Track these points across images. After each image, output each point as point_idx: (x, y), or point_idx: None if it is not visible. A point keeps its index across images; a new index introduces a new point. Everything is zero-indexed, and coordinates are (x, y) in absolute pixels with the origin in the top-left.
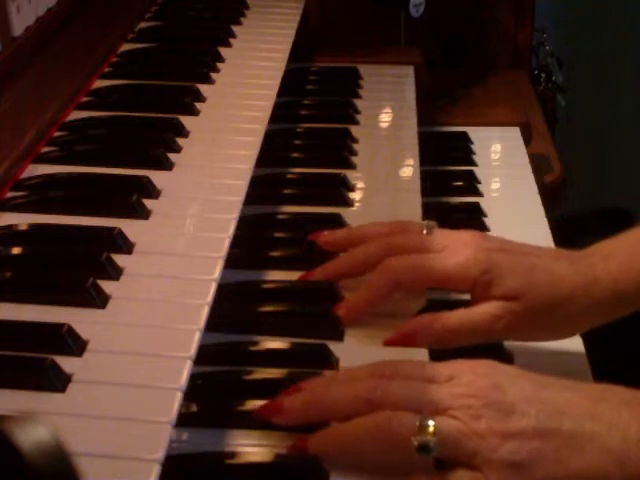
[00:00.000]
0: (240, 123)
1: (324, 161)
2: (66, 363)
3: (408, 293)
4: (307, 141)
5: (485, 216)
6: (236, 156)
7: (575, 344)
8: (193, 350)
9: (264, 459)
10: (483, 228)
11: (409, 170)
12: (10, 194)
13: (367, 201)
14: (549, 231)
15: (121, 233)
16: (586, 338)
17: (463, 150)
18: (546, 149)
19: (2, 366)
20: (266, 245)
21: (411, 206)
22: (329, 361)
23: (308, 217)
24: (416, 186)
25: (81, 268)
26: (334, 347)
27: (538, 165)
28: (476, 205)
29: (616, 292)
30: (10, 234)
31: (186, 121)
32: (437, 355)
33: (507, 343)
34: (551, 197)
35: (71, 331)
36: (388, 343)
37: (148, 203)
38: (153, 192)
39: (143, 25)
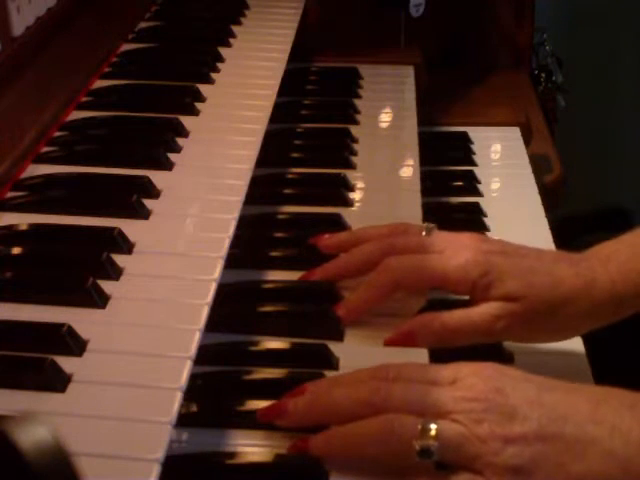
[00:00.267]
0: (240, 123)
1: (324, 161)
2: (66, 363)
3: (408, 293)
4: (307, 141)
5: (485, 216)
6: (236, 156)
7: (575, 344)
8: (193, 350)
9: (264, 459)
10: (483, 228)
11: (409, 170)
12: (10, 194)
13: (367, 201)
14: (549, 231)
15: (121, 233)
16: (586, 338)
17: (463, 150)
18: (546, 149)
19: (2, 366)
20: (266, 245)
21: (411, 206)
22: (329, 361)
23: (308, 217)
24: (416, 186)
25: (81, 268)
26: (334, 347)
27: (538, 165)
28: (476, 205)
29: (615, 294)
30: (10, 234)
31: (186, 121)
32: (437, 356)
33: (507, 343)
34: (551, 197)
35: (71, 331)
36: (388, 343)
37: (148, 203)
38: (153, 192)
39: (143, 25)
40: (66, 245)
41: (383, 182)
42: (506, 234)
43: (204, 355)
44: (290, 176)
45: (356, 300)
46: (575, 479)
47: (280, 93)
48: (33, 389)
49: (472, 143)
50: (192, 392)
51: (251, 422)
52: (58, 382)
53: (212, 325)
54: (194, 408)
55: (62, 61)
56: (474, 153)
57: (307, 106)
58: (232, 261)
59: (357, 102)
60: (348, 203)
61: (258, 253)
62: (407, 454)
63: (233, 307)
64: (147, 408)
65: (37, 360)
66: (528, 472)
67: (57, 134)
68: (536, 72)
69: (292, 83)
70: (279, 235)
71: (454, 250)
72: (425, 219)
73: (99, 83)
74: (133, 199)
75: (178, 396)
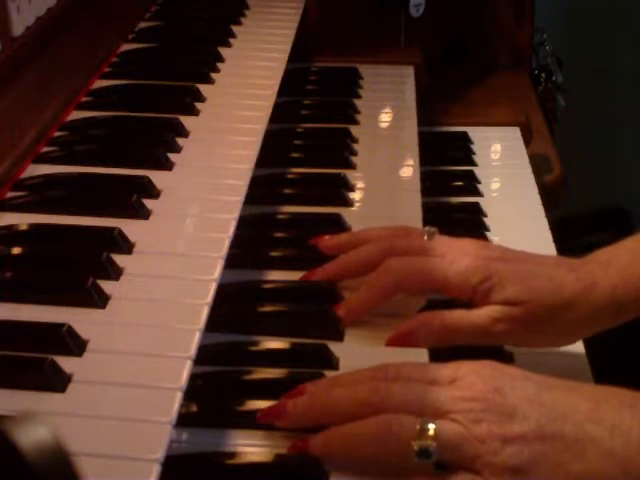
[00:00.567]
0: (240, 123)
1: (324, 161)
2: (66, 363)
3: (408, 294)
4: (307, 141)
5: (485, 216)
6: (236, 156)
7: (575, 344)
8: (193, 350)
9: (264, 459)
10: (483, 228)
11: (409, 170)
12: (10, 194)
13: (367, 201)
14: (549, 231)
15: (121, 233)
16: (586, 339)
17: (463, 150)
18: (546, 149)
19: (2, 366)
20: (266, 245)
21: (411, 206)
22: (329, 361)
23: (308, 217)
24: (416, 186)
25: (81, 268)
26: (334, 347)
27: (538, 165)
28: (476, 205)
29: (615, 299)
30: (10, 234)
31: (186, 121)
32: (437, 356)
33: None
34: (551, 197)
35: (71, 331)
36: (389, 344)
37: (148, 203)
38: (153, 192)
39: (143, 25)
40: (66, 245)
41: (383, 182)
42: (506, 234)
43: (204, 355)
44: (290, 176)
45: (356, 300)
46: (575, 479)
47: (280, 93)
48: (33, 389)
49: (472, 143)
50: (192, 392)
51: (251, 422)
52: (58, 382)
53: (212, 325)
54: (194, 408)
55: (62, 61)
56: (474, 153)
57: (307, 106)
58: (232, 261)
59: (357, 102)
60: (348, 203)
61: (258, 253)
62: (406, 454)
63: (233, 307)
64: (147, 408)
65: (37, 360)
66: (527, 472)
67: (57, 134)
68: (536, 72)
69: (292, 83)
70: (279, 235)
71: (455, 255)
72: (425, 219)
73: (99, 83)
74: (133, 199)
75: (178, 396)
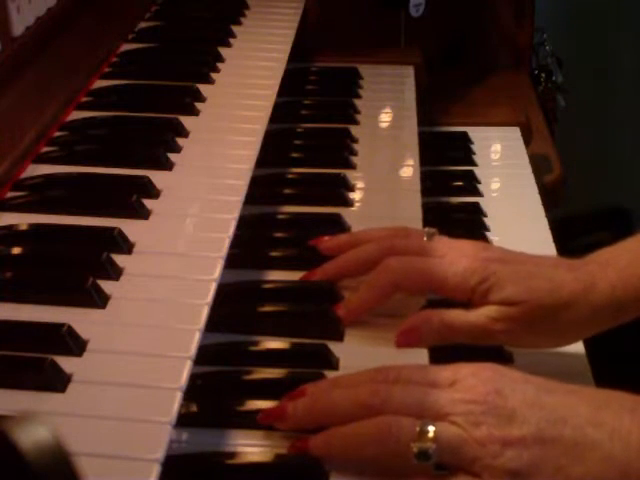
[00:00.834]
0: (240, 123)
1: (324, 161)
2: (66, 363)
3: (407, 294)
4: (307, 141)
5: (485, 216)
6: (236, 156)
7: (575, 345)
8: (193, 350)
9: (264, 459)
10: (483, 228)
11: (409, 170)
12: (10, 194)
13: (367, 201)
14: (549, 231)
15: (121, 233)
16: (586, 339)
17: (463, 150)
18: (546, 149)
19: (2, 366)
20: (266, 245)
21: (411, 206)
22: (329, 361)
23: (308, 217)
24: (416, 186)
25: (81, 268)
26: (334, 347)
27: (538, 165)
28: (476, 205)
29: (615, 299)
30: (10, 234)
31: (186, 121)
32: (437, 356)
33: None
34: (551, 197)
35: (71, 331)
36: (399, 345)
37: (148, 203)
38: (153, 192)
39: (143, 25)
40: (66, 245)
41: (383, 182)
42: (506, 234)
43: (204, 355)
44: (290, 176)
45: (356, 300)
46: None
47: (280, 93)
48: (33, 389)
49: (472, 143)
50: (192, 392)
51: (251, 422)
52: (58, 382)
53: (212, 325)
54: (194, 408)
55: (62, 61)
56: (474, 153)
57: (307, 106)
58: (232, 261)
59: (357, 102)
60: (348, 203)
61: (258, 253)
62: (405, 456)
63: (233, 307)
64: (147, 408)
65: (37, 360)
66: (527, 475)
67: (57, 134)
68: (536, 72)
69: (292, 83)
70: (279, 235)
71: (454, 256)
72: (425, 219)
73: (99, 83)
74: (133, 199)
75: (178, 396)
